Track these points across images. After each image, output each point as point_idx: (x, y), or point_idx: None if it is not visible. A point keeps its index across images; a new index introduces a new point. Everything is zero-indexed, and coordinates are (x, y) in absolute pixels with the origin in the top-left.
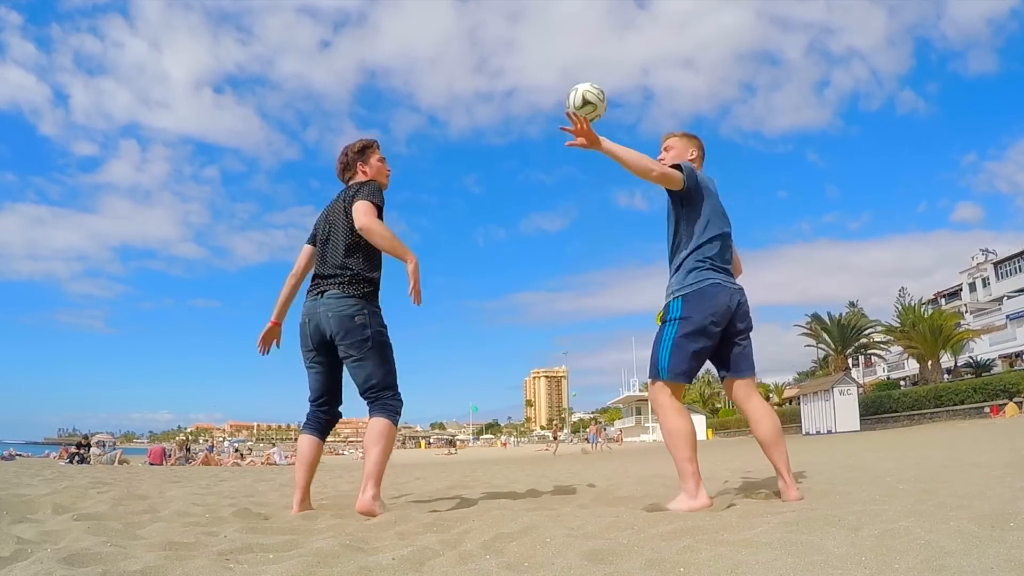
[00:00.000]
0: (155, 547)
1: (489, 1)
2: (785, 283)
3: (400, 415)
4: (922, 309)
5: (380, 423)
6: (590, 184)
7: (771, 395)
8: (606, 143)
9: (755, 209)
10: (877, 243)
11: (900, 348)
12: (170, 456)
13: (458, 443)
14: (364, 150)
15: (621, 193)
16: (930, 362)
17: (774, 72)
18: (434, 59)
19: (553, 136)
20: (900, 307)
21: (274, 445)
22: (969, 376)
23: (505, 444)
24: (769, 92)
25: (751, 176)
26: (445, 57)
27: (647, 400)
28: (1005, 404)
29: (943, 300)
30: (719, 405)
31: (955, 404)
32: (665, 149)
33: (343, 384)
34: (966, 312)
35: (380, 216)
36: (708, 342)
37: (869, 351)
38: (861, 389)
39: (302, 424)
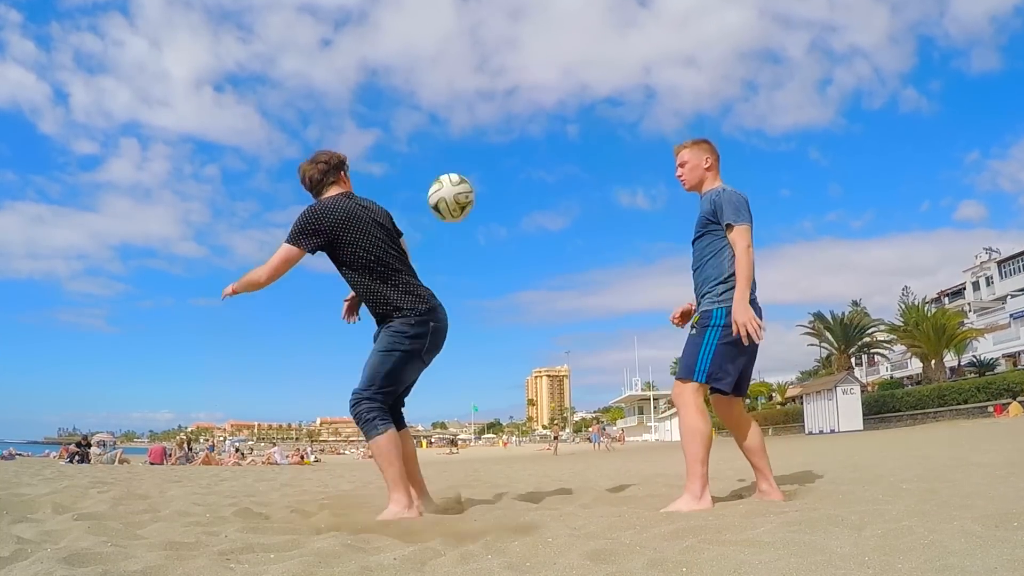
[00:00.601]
0: (156, 547)
1: None
2: (787, 282)
3: None
4: (925, 308)
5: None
6: (592, 183)
7: (774, 394)
8: (740, 291)
9: (757, 208)
10: (880, 242)
11: (903, 347)
12: (171, 456)
13: (459, 442)
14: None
15: (623, 192)
16: (933, 361)
17: (776, 70)
18: (435, 57)
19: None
20: (903, 306)
21: (275, 445)
22: (972, 375)
23: (507, 443)
24: (771, 90)
25: (753, 174)
26: (446, 55)
27: (649, 399)
28: (1009, 403)
29: (946, 299)
30: None
31: (958, 404)
32: (680, 164)
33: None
34: (969, 311)
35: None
36: (748, 352)
37: (872, 350)
38: (864, 389)
39: (384, 420)
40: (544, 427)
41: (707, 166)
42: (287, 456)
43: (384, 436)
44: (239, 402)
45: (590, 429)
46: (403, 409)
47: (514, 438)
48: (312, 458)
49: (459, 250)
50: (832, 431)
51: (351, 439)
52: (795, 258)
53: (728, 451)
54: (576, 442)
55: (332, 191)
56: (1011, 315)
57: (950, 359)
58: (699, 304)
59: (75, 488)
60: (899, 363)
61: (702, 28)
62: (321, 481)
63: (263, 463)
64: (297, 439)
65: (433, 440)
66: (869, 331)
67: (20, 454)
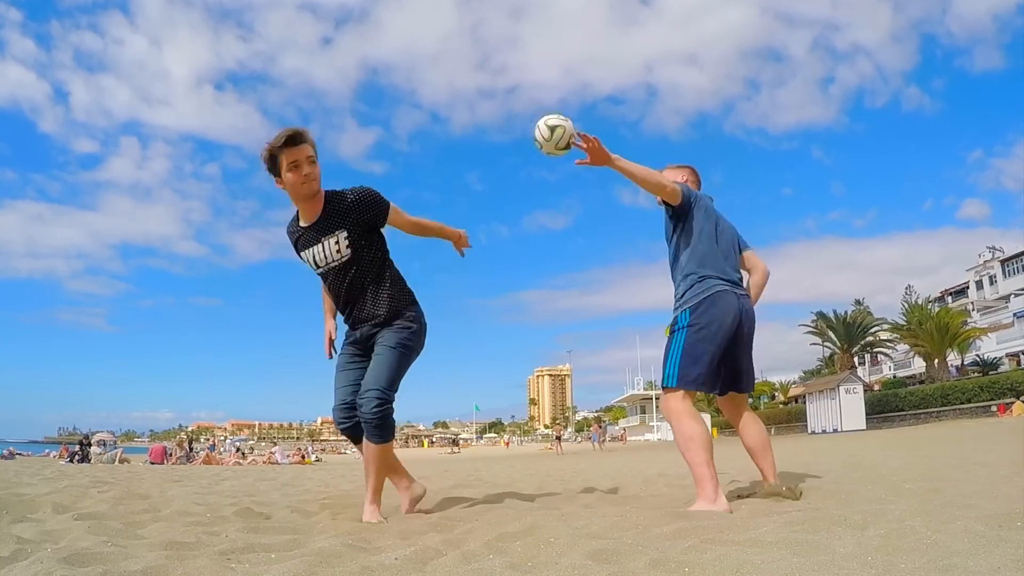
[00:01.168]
0: (156, 547)
1: None
2: (790, 281)
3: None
4: (928, 307)
5: None
6: (593, 181)
7: (776, 393)
8: (618, 160)
9: (760, 206)
10: (883, 240)
11: (906, 346)
12: (171, 455)
13: (461, 442)
14: (271, 159)
15: (625, 191)
16: (937, 360)
17: (779, 68)
18: (436, 56)
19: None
20: (906, 305)
21: (276, 444)
22: (976, 375)
23: (508, 443)
24: (774, 89)
25: (756, 173)
26: (447, 54)
27: (651, 398)
28: (1012, 403)
29: (950, 298)
30: None
31: (962, 403)
32: None
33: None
34: (973, 310)
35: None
36: (716, 347)
37: (875, 349)
38: (867, 388)
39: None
40: (546, 426)
41: (683, 180)
42: (288, 455)
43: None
44: (240, 401)
45: (591, 429)
46: None
47: (516, 438)
48: (313, 457)
49: None
50: (835, 430)
51: None
52: (798, 257)
53: (733, 450)
54: (578, 441)
55: None
56: (1014, 314)
57: (953, 358)
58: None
59: (75, 488)
60: (902, 362)
61: (704, 26)
62: (322, 481)
63: (264, 462)
64: (298, 438)
65: (434, 439)
66: (872, 330)
67: (20, 453)
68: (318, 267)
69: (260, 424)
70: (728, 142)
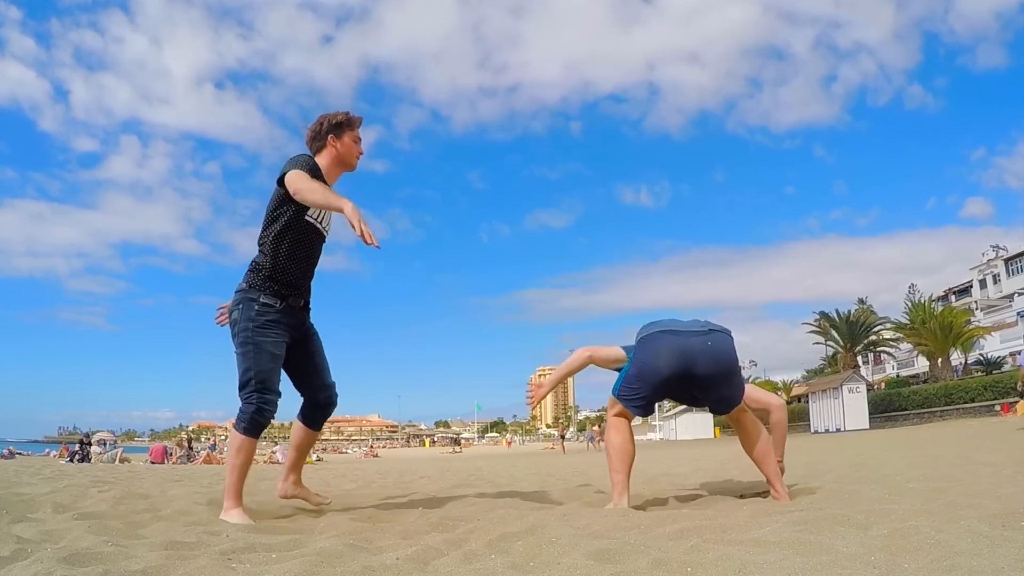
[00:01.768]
0: (157, 547)
1: None
2: (793, 280)
3: (249, 422)
4: (932, 306)
5: (231, 433)
6: (595, 180)
7: (779, 393)
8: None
9: (762, 205)
10: (886, 239)
11: (910, 345)
12: (172, 455)
13: (463, 441)
14: (340, 125)
15: (627, 189)
16: (940, 360)
17: (781, 67)
18: (437, 54)
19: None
20: (910, 304)
21: (276, 443)
22: (979, 374)
23: (510, 442)
24: (776, 87)
25: (758, 172)
26: (448, 52)
27: None
28: (1016, 402)
29: (953, 297)
30: None
31: (965, 402)
32: None
33: (311, 373)
34: (976, 309)
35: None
36: (653, 389)
37: (878, 348)
38: (870, 387)
39: None
40: (548, 426)
41: None
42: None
43: None
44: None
45: (588, 429)
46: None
47: (518, 437)
48: (314, 457)
49: (462, 248)
50: (838, 430)
51: (353, 438)
52: (800, 256)
53: (735, 449)
54: (580, 441)
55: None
56: (1018, 313)
57: (957, 357)
58: None
59: (75, 487)
60: (905, 361)
61: (706, 24)
62: (323, 480)
63: (265, 462)
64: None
65: (436, 439)
66: (875, 329)
67: (20, 453)
68: (324, 230)
69: None
70: (730, 140)
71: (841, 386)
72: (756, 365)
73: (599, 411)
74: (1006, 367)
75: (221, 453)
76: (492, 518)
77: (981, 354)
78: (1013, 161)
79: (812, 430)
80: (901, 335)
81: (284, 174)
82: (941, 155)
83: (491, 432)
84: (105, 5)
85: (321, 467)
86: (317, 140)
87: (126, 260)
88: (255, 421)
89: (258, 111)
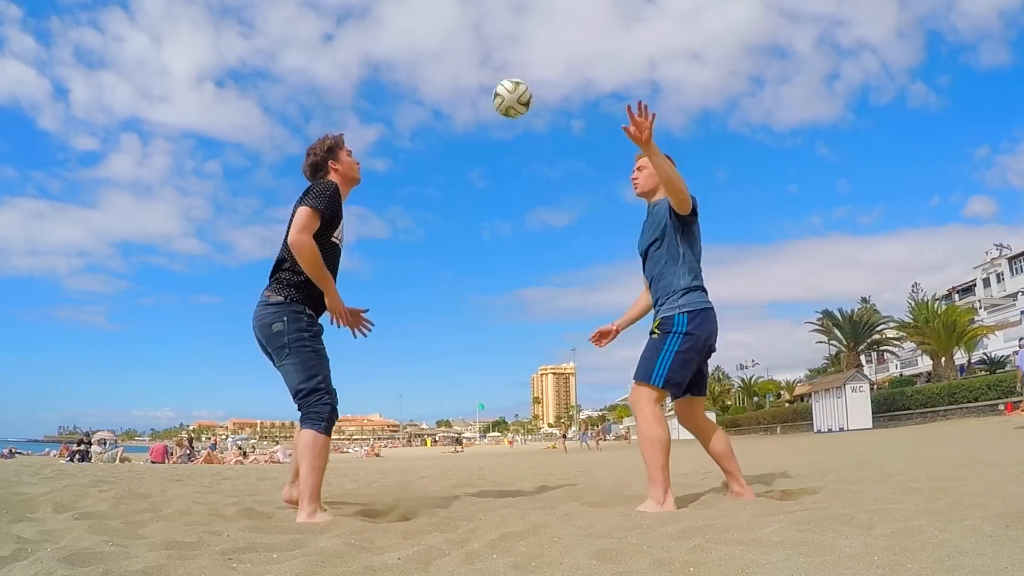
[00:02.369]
0: (157, 546)
1: None
2: (795, 279)
3: (328, 421)
4: (935, 305)
5: (305, 435)
6: (597, 178)
7: (782, 392)
8: (655, 148)
9: (765, 203)
10: (889, 238)
11: (913, 344)
12: (172, 454)
13: (464, 441)
14: (332, 148)
15: (628, 188)
16: (943, 359)
17: (783, 65)
18: (438, 53)
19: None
20: (913, 303)
21: (278, 443)
22: (983, 373)
23: (512, 442)
24: (778, 85)
25: (760, 170)
26: (449, 51)
27: None
28: (1020, 402)
29: (957, 295)
30: (729, 402)
31: (969, 401)
32: (639, 168)
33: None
34: (980, 308)
35: (328, 223)
36: (699, 360)
37: (881, 348)
38: (873, 386)
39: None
40: (550, 425)
41: None
42: (290, 454)
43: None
44: (241, 400)
45: (582, 430)
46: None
47: (519, 436)
48: None
49: (463, 246)
50: (841, 429)
51: (354, 437)
52: (803, 254)
53: (737, 449)
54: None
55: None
56: (1022, 312)
57: (960, 356)
58: (657, 311)
59: (76, 487)
60: (909, 360)
61: (708, 23)
62: (325, 479)
63: (266, 461)
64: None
65: (437, 438)
66: (878, 328)
67: (20, 452)
68: (341, 245)
69: (262, 423)
70: (732, 139)
71: (844, 385)
72: (759, 364)
73: (601, 410)
74: (1009, 366)
75: (222, 453)
76: (494, 518)
77: (985, 353)
78: (1016, 159)
79: (815, 429)
80: (904, 334)
81: (303, 204)
82: (944, 153)
83: (493, 431)
84: (105, 3)
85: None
86: (320, 170)
87: (126, 259)
88: (332, 420)
89: (259, 110)
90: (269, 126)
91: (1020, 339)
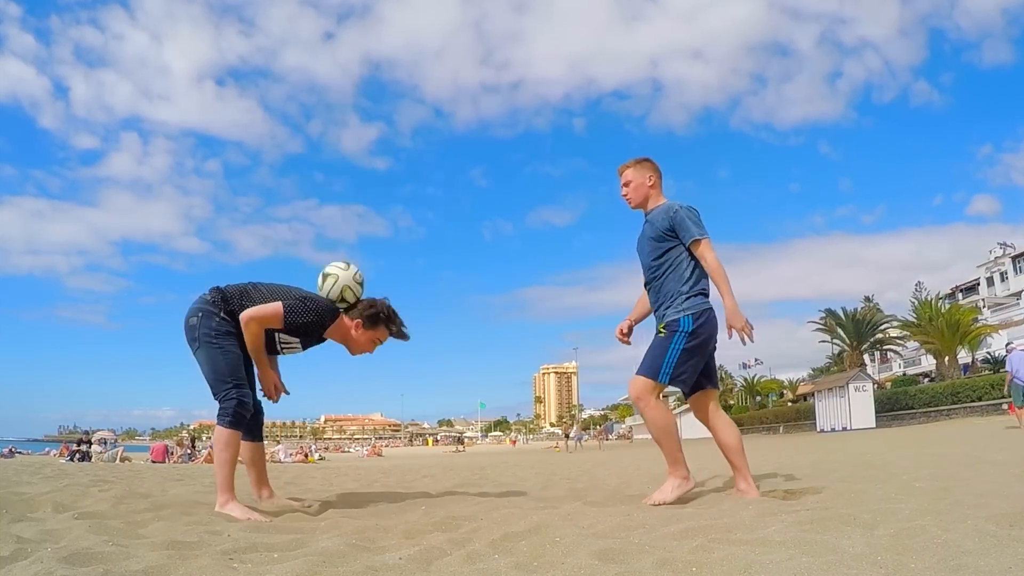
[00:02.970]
0: (157, 546)
1: None
2: (798, 278)
3: (233, 416)
4: (939, 304)
5: (215, 430)
6: (599, 177)
7: (785, 391)
8: (731, 303)
9: (767, 202)
10: (892, 237)
11: (916, 343)
12: (173, 454)
13: (466, 440)
14: (377, 319)
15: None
16: (947, 358)
17: (785, 63)
18: (439, 51)
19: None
20: (916, 302)
21: (278, 442)
22: (987, 372)
23: (514, 441)
24: (780, 83)
25: (762, 169)
26: (451, 49)
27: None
28: (1011, 402)
29: (960, 294)
30: (732, 401)
31: (972, 401)
32: (624, 184)
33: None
34: (984, 307)
35: (287, 331)
36: (703, 358)
37: (885, 347)
38: (877, 386)
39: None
40: (552, 424)
41: (651, 184)
42: (291, 454)
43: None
44: None
45: (576, 430)
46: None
47: (521, 436)
48: (316, 456)
49: (464, 245)
50: (844, 429)
51: (356, 437)
52: (805, 253)
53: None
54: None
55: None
56: None
57: (964, 356)
58: (662, 315)
59: (76, 487)
60: (912, 359)
61: (710, 21)
62: (326, 479)
63: (267, 461)
64: (301, 437)
65: (439, 438)
66: (882, 327)
67: (20, 452)
68: (282, 350)
69: None
70: (734, 137)
71: (847, 384)
72: (762, 363)
73: (603, 410)
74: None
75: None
76: (495, 517)
77: (988, 352)
78: (1020, 158)
79: (818, 429)
80: (907, 333)
81: (287, 305)
82: (947, 152)
83: (495, 431)
84: (105, 2)
85: (324, 466)
86: (361, 312)
87: (127, 258)
88: (240, 415)
89: (259, 108)
90: (270, 125)
91: (1007, 344)
